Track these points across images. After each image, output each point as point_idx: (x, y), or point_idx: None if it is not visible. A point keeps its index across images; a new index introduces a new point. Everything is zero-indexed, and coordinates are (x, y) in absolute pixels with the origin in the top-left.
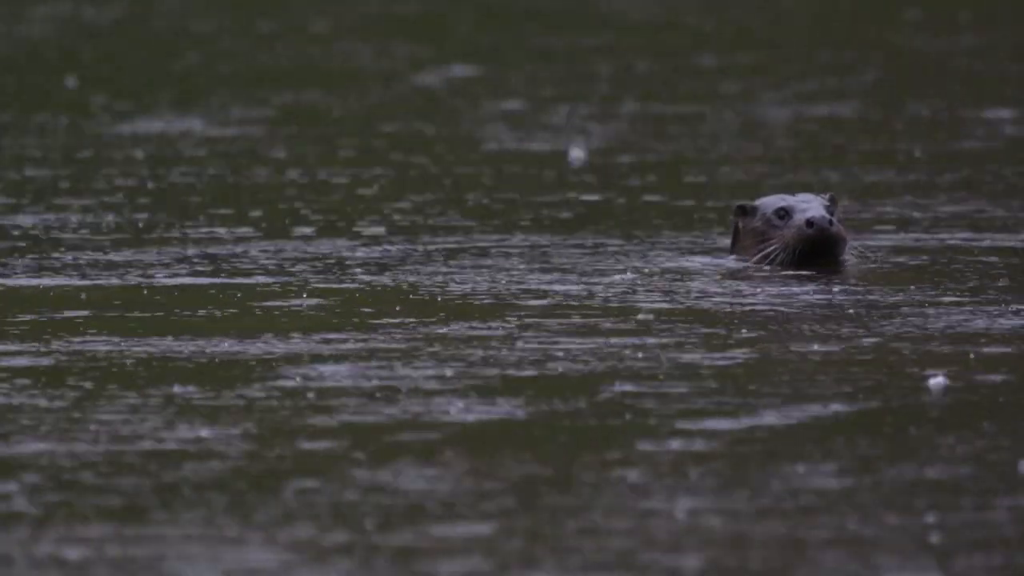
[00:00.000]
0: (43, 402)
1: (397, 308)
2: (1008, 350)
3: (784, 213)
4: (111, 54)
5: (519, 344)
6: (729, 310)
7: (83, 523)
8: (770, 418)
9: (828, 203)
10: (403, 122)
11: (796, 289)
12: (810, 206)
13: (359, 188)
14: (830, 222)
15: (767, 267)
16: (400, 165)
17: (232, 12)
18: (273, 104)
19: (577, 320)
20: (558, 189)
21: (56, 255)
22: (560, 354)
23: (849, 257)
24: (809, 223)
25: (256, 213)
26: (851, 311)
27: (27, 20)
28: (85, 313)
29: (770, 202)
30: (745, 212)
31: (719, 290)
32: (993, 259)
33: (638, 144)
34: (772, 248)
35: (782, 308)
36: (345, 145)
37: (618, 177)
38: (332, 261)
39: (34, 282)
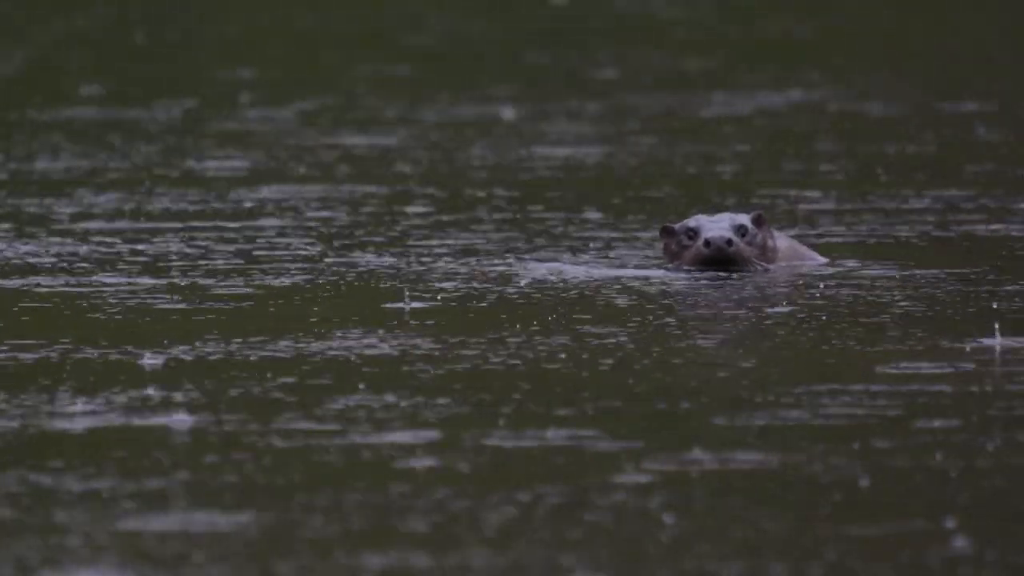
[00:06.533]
0: None
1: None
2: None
3: (693, 233)
4: None
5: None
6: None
7: None
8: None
9: (746, 223)
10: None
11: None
12: (716, 226)
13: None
14: (728, 242)
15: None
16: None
17: None
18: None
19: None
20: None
21: None
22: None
23: (765, 267)
24: (707, 243)
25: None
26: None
27: None
28: None
29: (686, 223)
30: (668, 233)
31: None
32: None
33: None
34: (677, 268)
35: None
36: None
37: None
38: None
39: None
